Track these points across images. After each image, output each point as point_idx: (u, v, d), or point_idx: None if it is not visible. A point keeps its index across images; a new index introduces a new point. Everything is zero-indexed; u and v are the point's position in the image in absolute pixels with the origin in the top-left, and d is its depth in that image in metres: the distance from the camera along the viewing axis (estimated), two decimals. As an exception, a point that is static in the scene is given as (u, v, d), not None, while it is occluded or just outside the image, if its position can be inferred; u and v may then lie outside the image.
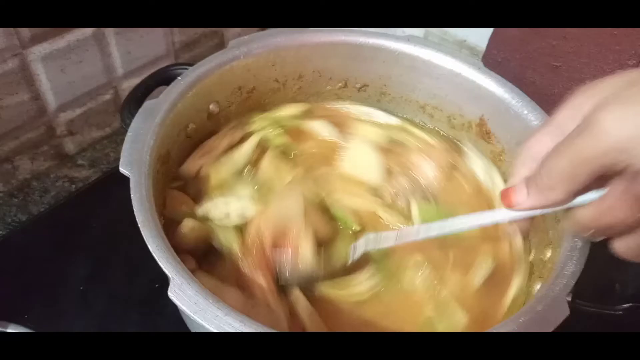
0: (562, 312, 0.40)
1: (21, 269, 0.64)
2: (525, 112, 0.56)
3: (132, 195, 0.44)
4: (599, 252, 0.43)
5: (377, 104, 0.69)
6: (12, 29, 0.65)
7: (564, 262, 0.43)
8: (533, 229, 0.54)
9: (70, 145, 0.81)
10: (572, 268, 0.43)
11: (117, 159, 0.79)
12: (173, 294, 0.38)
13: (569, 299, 0.41)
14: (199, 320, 0.37)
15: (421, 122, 0.68)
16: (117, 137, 0.84)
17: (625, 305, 0.45)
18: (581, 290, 0.43)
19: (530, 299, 0.45)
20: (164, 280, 0.55)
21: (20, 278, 0.62)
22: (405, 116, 0.69)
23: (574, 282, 0.42)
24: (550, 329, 0.38)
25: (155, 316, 0.60)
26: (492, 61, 0.64)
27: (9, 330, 0.56)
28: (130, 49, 0.79)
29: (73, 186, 0.78)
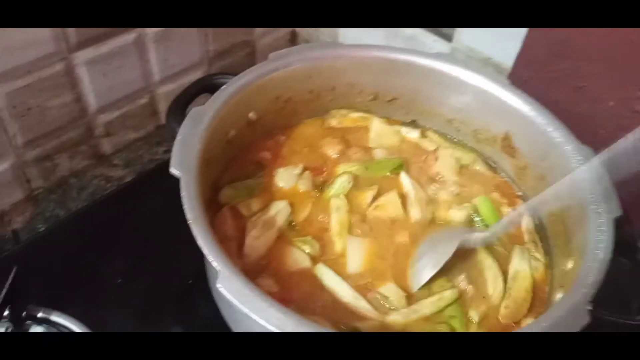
0: (582, 319, 0.42)
1: (63, 261, 0.67)
2: (550, 129, 0.59)
3: (182, 194, 0.47)
4: (619, 264, 0.45)
5: (406, 116, 0.72)
6: (61, 34, 0.68)
7: (586, 272, 0.46)
8: (554, 239, 0.57)
9: (106, 146, 0.84)
10: (592, 278, 0.45)
11: (151, 160, 0.85)
12: (222, 285, 0.41)
13: (590, 307, 0.43)
14: (245, 310, 0.40)
15: (448, 135, 0.72)
16: (150, 139, 0.88)
17: (644, 315, 0.47)
18: (602, 300, 0.45)
19: (551, 307, 0.48)
20: (198, 277, 0.59)
21: (61, 270, 0.66)
22: (432, 128, 0.72)
23: (594, 291, 0.44)
24: (571, 335, 0.41)
25: (190, 310, 0.63)
26: (518, 80, 0.67)
27: (52, 318, 0.59)
28: (168, 56, 0.82)
29: (108, 184, 0.81)
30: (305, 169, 0.65)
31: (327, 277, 0.54)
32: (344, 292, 0.53)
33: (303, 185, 0.63)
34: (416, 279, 0.55)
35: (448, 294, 0.54)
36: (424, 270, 0.55)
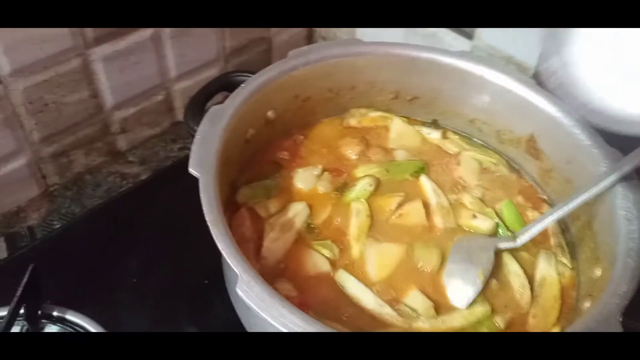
0: (614, 331, 0.41)
1: (78, 259, 0.66)
2: (577, 131, 0.57)
3: (201, 195, 0.46)
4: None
5: (427, 115, 0.71)
6: (77, 30, 0.68)
7: (617, 281, 0.44)
8: (581, 245, 0.56)
9: (122, 143, 0.84)
10: (624, 288, 0.43)
11: (166, 157, 0.85)
12: (241, 290, 0.40)
13: (621, 318, 0.42)
14: (264, 316, 0.39)
15: (469, 135, 0.70)
16: (166, 137, 0.88)
17: (678, 327, 0.45)
18: (633, 309, 0.43)
19: (580, 317, 0.46)
20: (213, 277, 0.59)
21: (77, 268, 0.65)
22: (453, 129, 0.70)
23: (627, 302, 0.42)
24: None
25: (205, 311, 0.62)
26: (543, 79, 0.65)
27: (67, 317, 0.59)
28: (184, 52, 0.81)
29: (124, 182, 0.81)
30: (324, 170, 0.63)
31: (350, 283, 0.53)
32: (368, 299, 0.52)
33: (322, 187, 0.62)
34: (459, 294, 0.53)
35: (480, 310, 0.52)
36: (465, 285, 0.53)
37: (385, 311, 0.51)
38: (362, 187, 0.62)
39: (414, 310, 0.51)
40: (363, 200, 0.61)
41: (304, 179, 0.62)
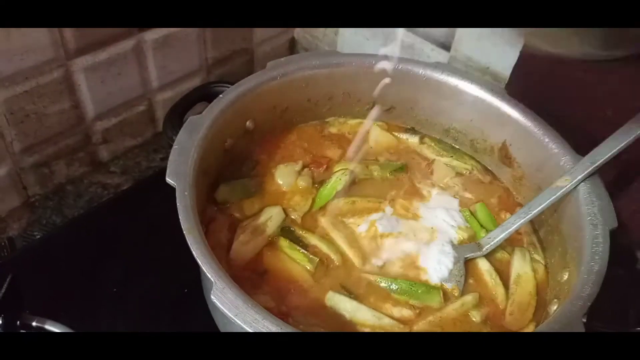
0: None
1: (58, 269, 0.66)
2: (547, 140, 0.59)
3: (177, 205, 0.47)
4: (615, 276, 0.45)
5: (403, 125, 0.72)
6: (59, 40, 0.68)
7: (581, 284, 0.46)
8: (551, 249, 0.57)
9: (104, 153, 0.84)
10: (588, 290, 0.45)
11: (148, 168, 0.85)
12: (215, 297, 0.41)
13: (585, 319, 0.43)
14: (239, 322, 0.40)
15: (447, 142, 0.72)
16: (148, 147, 0.88)
17: (640, 328, 0.47)
18: (597, 311, 0.45)
19: (546, 319, 0.48)
20: (193, 286, 0.59)
21: (57, 278, 0.65)
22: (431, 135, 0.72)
23: (590, 303, 0.44)
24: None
25: (185, 320, 0.62)
26: (515, 90, 0.67)
27: (46, 327, 0.59)
28: (166, 64, 0.82)
29: (105, 192, 0.81)
30: (304, 166, 0.65)
31: (343, 304, 0.53)
32: (364, 315, 0.52)
33: (303, 182, 0.63)
34: None
35: (469, 299, 0.54)
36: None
37: (385, 322, 0.52)
38: (336, 178, 0.63)
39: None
40: (341, 199, 0.62)
41: (285, 175, 0.63)
